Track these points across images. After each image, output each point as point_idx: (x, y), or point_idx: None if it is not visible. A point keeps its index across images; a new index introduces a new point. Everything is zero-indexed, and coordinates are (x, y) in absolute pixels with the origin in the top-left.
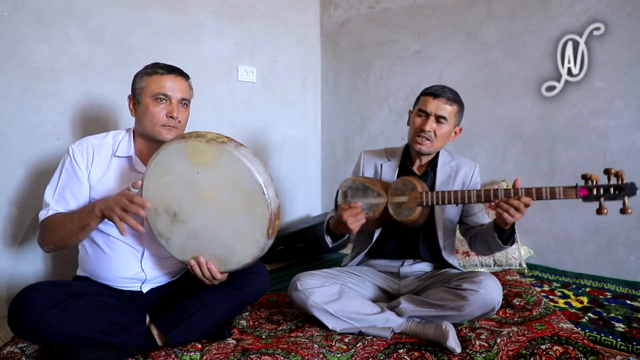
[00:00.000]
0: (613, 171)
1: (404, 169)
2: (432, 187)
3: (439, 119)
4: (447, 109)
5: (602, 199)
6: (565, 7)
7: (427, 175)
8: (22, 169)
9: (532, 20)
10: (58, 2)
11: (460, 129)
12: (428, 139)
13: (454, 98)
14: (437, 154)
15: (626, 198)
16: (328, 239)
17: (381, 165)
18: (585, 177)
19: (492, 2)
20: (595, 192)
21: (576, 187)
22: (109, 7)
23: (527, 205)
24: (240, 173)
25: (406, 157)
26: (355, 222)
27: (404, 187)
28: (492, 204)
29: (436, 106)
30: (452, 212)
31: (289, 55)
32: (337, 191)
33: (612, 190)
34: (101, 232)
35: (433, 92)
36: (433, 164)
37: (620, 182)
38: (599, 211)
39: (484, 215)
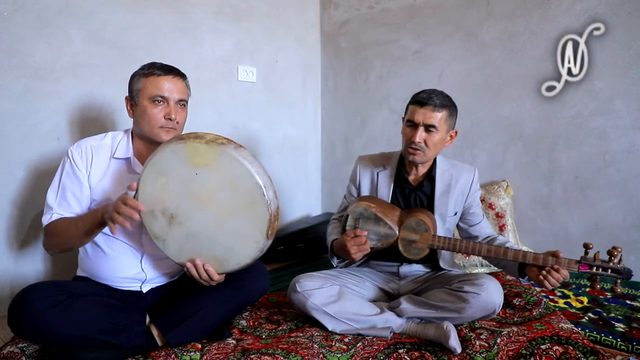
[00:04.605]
0: (615, 253)
1: (399, 179)
2: (430, 198)
3: (428, 127)
4: (435, 116)
5: (598, 277)
6: (565, 7)
7: (423, 187)
8: (22, 169)
9: (532, 20)
10: (58, 2)
11: (456, 132)
12: (420, 149)
13: (442, 103)
14: (435, 162)
15: (619, 280)
16: (334, 260)
17: (377, 174)
18: (586, 247)
19: (492, 2)
20: (594, 269)
21: (579, 262)
22: (109, 7)
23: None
24: (239, 174)
25: (402, 165)
26: (358, 252)
27: (418, 226)
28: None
29: (424, 115)
30: (451, 222)
31: (289, 55)
32: (347, 215)
33: (609, 271)
34: (101, 233)
35: (420, 100)
36: (430, 175)
37: (619, 262)
38: (592, 286)
39: (486, 224)
